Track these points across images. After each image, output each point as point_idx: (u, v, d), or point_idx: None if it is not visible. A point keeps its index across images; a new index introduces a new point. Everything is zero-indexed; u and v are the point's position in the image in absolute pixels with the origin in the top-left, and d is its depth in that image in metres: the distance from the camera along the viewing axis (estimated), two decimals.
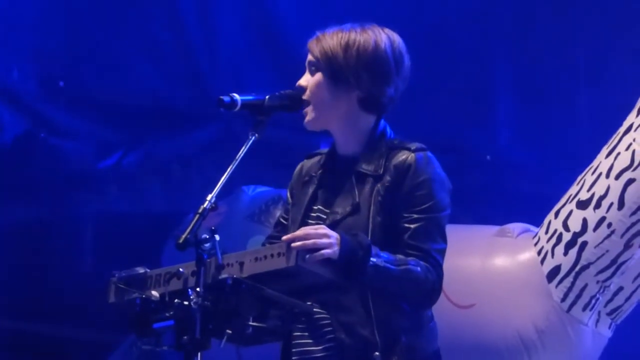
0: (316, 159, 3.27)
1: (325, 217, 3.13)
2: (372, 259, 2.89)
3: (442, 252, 3.05)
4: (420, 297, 3.02)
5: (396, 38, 3.18)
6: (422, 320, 3.08)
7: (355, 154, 3.15)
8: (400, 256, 2.97)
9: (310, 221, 3.14)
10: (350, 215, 3.08)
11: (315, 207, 3.18)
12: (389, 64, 3.13)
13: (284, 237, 2.84)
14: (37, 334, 6.22)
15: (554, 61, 6.19)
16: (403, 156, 3.07)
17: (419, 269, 2.96)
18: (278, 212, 3.44)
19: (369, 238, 2.99)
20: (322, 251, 2.83)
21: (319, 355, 3.08)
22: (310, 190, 3.20)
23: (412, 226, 3.02)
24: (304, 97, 3.14)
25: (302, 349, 3.11)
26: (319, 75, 3.13)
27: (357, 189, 3.10)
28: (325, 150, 3.27)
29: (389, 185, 3.06)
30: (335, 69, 3.11)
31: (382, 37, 3.14)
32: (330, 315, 3.06)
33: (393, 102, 3.16)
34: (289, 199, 3.30)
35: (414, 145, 3.10)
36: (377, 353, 3.00)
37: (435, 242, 3.02)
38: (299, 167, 3.31)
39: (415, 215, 3.02)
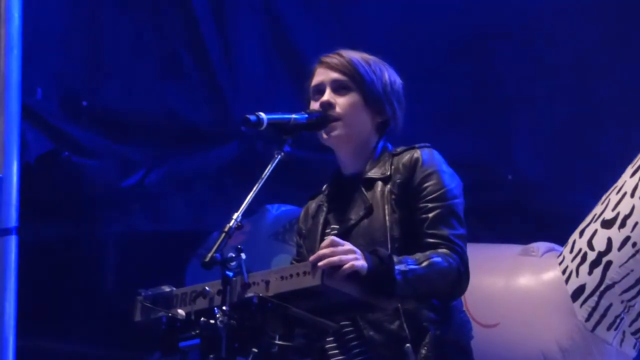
0: (320, 195, 3.36)
1: (339, 228, 3.19)
2: (396, 267, 2.91)
3: (462, 237, 3.09)
4: (450, 287, 3.04)
5: None
6: (449, 313, 3.10)
7: (361, 169, 3.24)
8: (419, 254, 3.00)
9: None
10: (364, 217, 3.15)
11: (327, 230, 3.24)
12: (402, 95, 3.29)
13: (311, 258, 2.84)
14: (61, 353, 6.23)
15: (575, 79, 6.18)
16: (409, 155, 3.18)
17: (440, 259, 3.00)
18: None
19: (388, 235, 3.07)
20: (352, 262, 2.83)
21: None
22: (322, 218, 3.28)
23: (429, 215, 3.08)
24: (334, 113, 3.18)
25: (333, 359, 3.15)
26: (355, 96, 3.22)
27: (367, 194, 3.17)
28: (324, 187, 3.35)
29: (400, 182, 3.14)
30: (374, 94, 3.23)
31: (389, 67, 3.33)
32: (357, 315, 3.09)
33: None
34: (298, 240, 3.37)
35: (417, 145, 3.22)
36: (408, 345, 3.02)
37: (452, 228, 3.07)
38: (304, 209, 3.41)
39: (430, 205, 3.09)
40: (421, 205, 3.10)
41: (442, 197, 3.10)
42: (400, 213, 3.11)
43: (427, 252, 3.01)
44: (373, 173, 3.20)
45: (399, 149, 3.24)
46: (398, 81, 3.30)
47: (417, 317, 3.05)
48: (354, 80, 3.22)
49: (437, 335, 3.04)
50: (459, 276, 3.03)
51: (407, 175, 3.14)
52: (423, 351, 3.02)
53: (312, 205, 3.37)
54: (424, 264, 2.96)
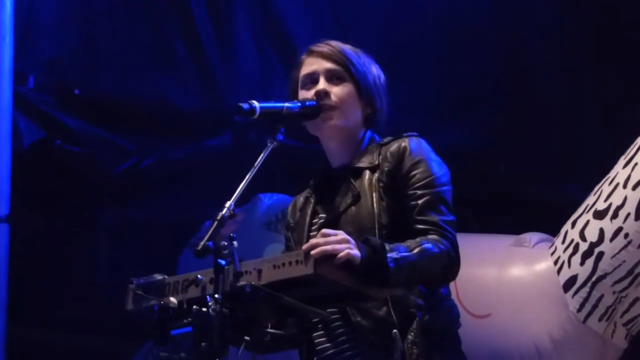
0: (307, 189, 3.39)
1: (326, 217, 3.21)
2: (388, 255, 2.91)
3: (451, 223, 3.11)
4: (441, 273, 3.05)
5: None
6: (436, 298, 3.12)
7: (349, 161, 3.26)
8: (410, 241, 3.01)
9: (314, 234, 3.20)
10: (352, 205, 3.16)
11: (315, 220, 3.26)
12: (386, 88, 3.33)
13: (304, 247, 2.84)
14: (52, 342, 6.23)
15: (560, 70, 6.19)
16: (396, 143, 3.21)
17: (431, 245, 3.01)
18: None
19: (376, 222, 3.09)
20: (347, 251, 2.83)
21: (337, 349, 3.12)
22: (309, 210, 3.30)
23: (418, 202, 3.10)
24: (330, 102, 3.18)
25: (320, 347, 3.16)
26: (349, 86, 3.25)
27: (355, 183, 3.19)
28: (311, 182, 3.37)
29: (388, 170, 3.16)
30: (366, 86, 3.26)
31: None
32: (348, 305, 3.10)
33: None
34: (287, 234, 3.39)
35: (405, 134, 3.25)
36: (395, 331, 3.02)
37: (442, 214, 3.10)
38: (292, 203, 3.44)
39: (419, 192, 3.11)
40: (410, 192, 3.12)
41: (430, 184, 3.12)
42: (389, 200, 3.12)
43: (418, 239, 3.02)
44: (361, 163, 3.22)
45: (386, 139, 3.27)
46: (382, 75, 3.34)
47: (405, 303, 3.06)
48: (347, 70, 3.25)
49: (424, 321, 3.05)
50: (450, 261, 3.04)
51: (395, 163, 3.16)
52: (410, 337, 3.03)
53: (300, 199, 3.39)
54: (416, 250, 2.97)
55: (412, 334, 3.04)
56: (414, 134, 3.24)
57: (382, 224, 3.10)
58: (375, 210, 3.12)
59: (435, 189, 3.12)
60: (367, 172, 3.19)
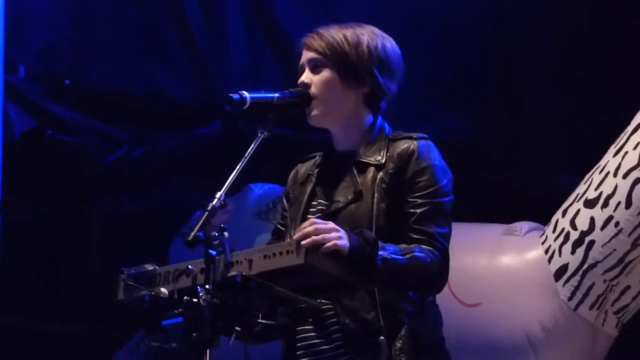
0: (311, 161, 3.33)
1: (325, 208, 3.17)
2: (379, 252, 2.91)
3: (447, 236, 3.09)
4: (428, 283, 3.04)
5: (391, 39, 3.28)
6: (424, 305, 3.10)
7: (355, 148, 3.20)
8: (404, 245, 3.00)
9: (310, 216, 3.17)
10: (352, 202, 3.13)
11: (314, 203, 3.22)
12: (394, 63, 3.22)
13: (295, 236, 2.84)
14: (44, 331, 6.23)
15: (553, 59, 6.19)
16: (405, 144, 3.15)
17: (423, 254, 3.00)
18: None
19: (374, 224, 3.06)
20: (335, 241, 2.84)
21: (324, 347, 3.10)
22: (309, 188, 3.25)
23: (418, 211, 3.07)
24: (310, 93, 3.17)
25: (307, 342, 3.14)
26: (328, 72, 3.19)
27: (358, 178, 3.15)
28: (317, 154, 3.32)
29: (392, 172, 3.11)
30: (348, 66, 3.17)
31: (382, 35, 3.25)
32: (334, 301, 3.08)
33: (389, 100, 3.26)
34: (285, 204, 3.34)
35: (415, 134, 3.18)
36: (382, 337, 3.02)
37: (439, 226, 3.07)
38: (293, 172, 3.37)
39: (420, 201, 3.07)
40: (410, 199, 3.08)
41: (433, 194, 3.09)
42: (388, 202, 3.09)
43: (412, 245, 3.01)
44: (367, 157, 3.16)
45: (396, 135, 3.20)
46: (382, 45, 3.21)
47: (394, 308, 3.04)
48: (326, 56, 3.17)
49: (412, 327, 3.03)
50: (439, 274, 3.04)
51: (400, 165, 3.11)
52: (398, 344, 3.01)
53: (302, 170, 3.33)
54: (407, 255, 2.97)
55: (401, 340, 3.01)
56: (425, 135, 3.18)
57: (380, 225, 3.07)
58: (375, 212, 3.08)
59: (437, 199, 3.08)
60: (372, 169, 3.13)
